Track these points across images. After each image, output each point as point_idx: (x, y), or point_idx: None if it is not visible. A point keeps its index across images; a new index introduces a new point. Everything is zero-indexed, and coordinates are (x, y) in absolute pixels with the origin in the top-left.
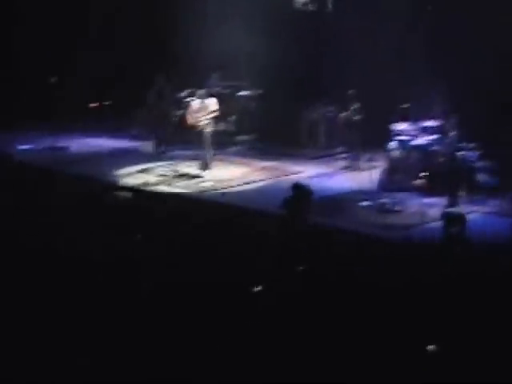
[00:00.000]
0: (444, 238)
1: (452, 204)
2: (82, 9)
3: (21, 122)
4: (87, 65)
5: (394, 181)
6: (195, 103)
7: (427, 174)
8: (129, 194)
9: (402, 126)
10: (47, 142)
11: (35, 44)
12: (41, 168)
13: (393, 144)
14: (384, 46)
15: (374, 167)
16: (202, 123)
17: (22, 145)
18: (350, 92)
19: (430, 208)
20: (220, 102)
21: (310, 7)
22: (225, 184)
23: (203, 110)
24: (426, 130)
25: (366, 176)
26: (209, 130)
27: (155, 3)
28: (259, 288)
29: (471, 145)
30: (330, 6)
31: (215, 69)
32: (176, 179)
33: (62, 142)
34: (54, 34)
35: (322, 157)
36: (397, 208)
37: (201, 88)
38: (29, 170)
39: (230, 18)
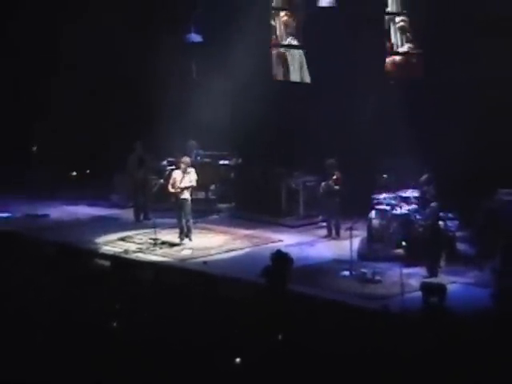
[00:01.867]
0: (423, 308)
1: (432, 274)
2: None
3: (1, 189)
4: (65, 132)
5: (374, 250)
6: (176, 172)
7: (407, 243)
8: (107, 262)
9: (382, 195)
10: (27, 210)
11: (14, 113)
12: (17, 234)
13: (373, 213)
14: (363, 115)
15: (354, 236)
16: (182, 192)
17: (1, 212)
18: (330, 161)
19: (410, 278)
20: (200, 171)
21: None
22: (205, 252)
23: (184, 178)
24: (406, 200)
25: (345, 245)
26: (189, 198)
27: (135, 70)
28: (237, 360)
29: (450, 214)
30: (308, 76)
31: (194, 136)
32: (156, 247)
33: (42, 210)
34: (31, 102)
35: (302, 225)
36: (376, 277)
37: (180, 156)
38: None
39: (211, 86)
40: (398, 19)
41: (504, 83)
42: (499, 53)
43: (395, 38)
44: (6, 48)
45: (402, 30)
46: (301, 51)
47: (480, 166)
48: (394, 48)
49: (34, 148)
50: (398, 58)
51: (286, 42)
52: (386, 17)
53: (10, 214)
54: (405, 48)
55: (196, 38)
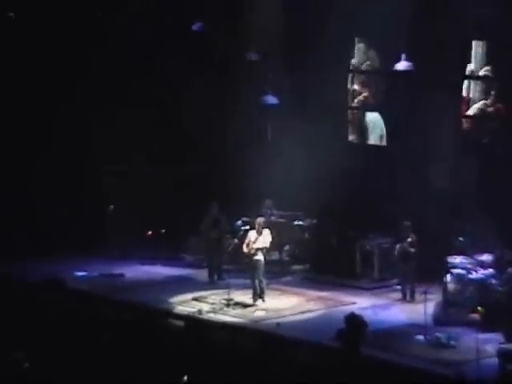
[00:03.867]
0: (500, 375)
1: (509, 340)
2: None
3: (79, 248)
4: (142, 192)
5: (449, 314)
6: (251, 232)
7: (483, 308)
8: (181, 322)
9: (457, 259)
10: (103, 269)
11: (93, 175)
12: (93, 295)
13: (448, 277)
14: (439, 178)
15: (429, 300)
16: (255, 252)
17: (78, 271)
18: (406, 223)
19: (486, 344)
20: (275, 231)
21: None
22: (278, 313)
23: (258, 239)
24: (483, 264)
25: (420, 309)
26: (262, 259)
27: (212, 130)
28: None
29: None
30: (384, 139)
31: (269, 196)
32: (229, 308)
33: (118, 269)
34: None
35: (376, 288)
36: (451, 343)
37: (255, 216)
38: (81, 297)
39: (286, 147)
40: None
41: None
42: None
43: (474, 94)
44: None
45: (484, 86)
46: (378, 114)
47: None
48: (471, 105)
49: (111, 207)
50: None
51: (363, 105)
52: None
53: (86, 273)
54: (481, 105)
55: (272, 100)
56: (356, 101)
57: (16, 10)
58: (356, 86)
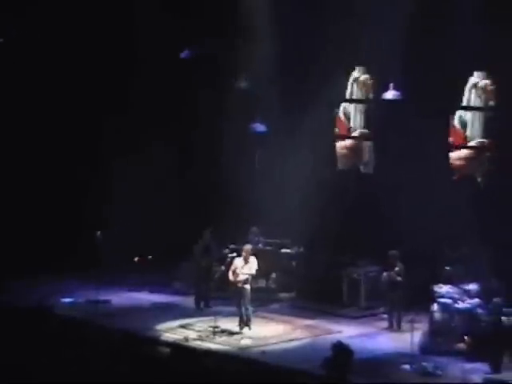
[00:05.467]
0: None
1: (494, 370)
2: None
3: (66, 273)
4: (129, 218)
5: (436, 344)
6: (237, 260)
7: (470, 338)
8: (167, 349)
9: (444, 288)
10: (89, 295)
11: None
12: (80, 322)
13: (435, 306)
14: (426, 205)
15: (416, 329)
16: (243, 280)
17: (65, 297)
18: (393, 252)
19: (472, 373)
20: (262, 259)
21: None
22: (264, 341)
23: (245, 267)
24: (469, 293)
25: (407, 337)
26: (248, 286)
27: (200, 159)
28: None
29: None
30: (372, 167)
31: (256, 223)
32: (215, 335)
33: (105, 295)
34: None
35: (363, 316)
36: (437, 372)
37: (243, 243)
38: (67, 324)
39: (273, 174)
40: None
41: None
42: None
43: (471, 131)
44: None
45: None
46: (369, 142)
47: None
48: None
49: (98, 233)
50: (465, 151)
51: (354, 133)
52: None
53: (72, 299)
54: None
55: (260, 127)
56: (346, 128)
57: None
58: (348, 113)
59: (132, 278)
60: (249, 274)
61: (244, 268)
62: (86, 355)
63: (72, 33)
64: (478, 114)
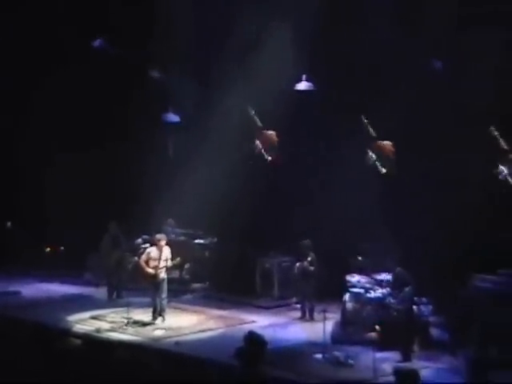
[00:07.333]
0: None
1: (405, 359)
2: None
3: None
4: (39, 208)
5: (348, 333)
6: (150, 250)
7: (381, 327)
8: (79, 341)
9: (356, 278)
10: None
11: None
12: None
13: (347, 296)
14: (340, 196)
15: (328, 319)
16: (156, 271)
17: None
18: (306, 242)
19: (383, 362)
20: (175, 250)
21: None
22: (177, 332)
23: (158, 257)
24: (381, 283)
25: (319, 327)
26: (163, 277)
27: (112, 146)
28: None
29: (424, 299)
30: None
31: (171, 214)
32: (128, 326)
33: (14, 287)
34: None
35: (276, 306)
36: (349, 361)
37: (155, 233)
38: None
39: (187, 164)
40: None
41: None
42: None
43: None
44: None
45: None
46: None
47: (454, 250)
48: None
49: (9, 224)
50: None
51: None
52: None
53: None
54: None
55: (173, 118)
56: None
57: None
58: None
59: (42, 269)
60: (163, 265)
61: (161, 258)
62: None
63: None
64: None
